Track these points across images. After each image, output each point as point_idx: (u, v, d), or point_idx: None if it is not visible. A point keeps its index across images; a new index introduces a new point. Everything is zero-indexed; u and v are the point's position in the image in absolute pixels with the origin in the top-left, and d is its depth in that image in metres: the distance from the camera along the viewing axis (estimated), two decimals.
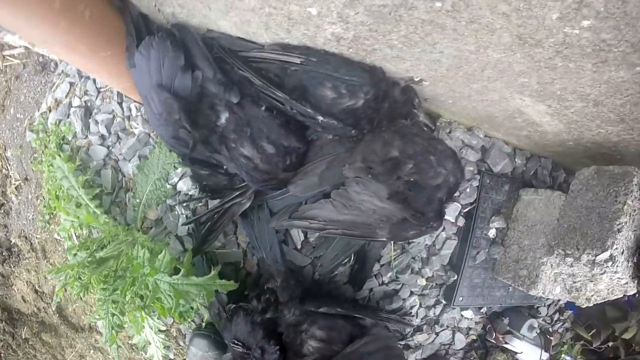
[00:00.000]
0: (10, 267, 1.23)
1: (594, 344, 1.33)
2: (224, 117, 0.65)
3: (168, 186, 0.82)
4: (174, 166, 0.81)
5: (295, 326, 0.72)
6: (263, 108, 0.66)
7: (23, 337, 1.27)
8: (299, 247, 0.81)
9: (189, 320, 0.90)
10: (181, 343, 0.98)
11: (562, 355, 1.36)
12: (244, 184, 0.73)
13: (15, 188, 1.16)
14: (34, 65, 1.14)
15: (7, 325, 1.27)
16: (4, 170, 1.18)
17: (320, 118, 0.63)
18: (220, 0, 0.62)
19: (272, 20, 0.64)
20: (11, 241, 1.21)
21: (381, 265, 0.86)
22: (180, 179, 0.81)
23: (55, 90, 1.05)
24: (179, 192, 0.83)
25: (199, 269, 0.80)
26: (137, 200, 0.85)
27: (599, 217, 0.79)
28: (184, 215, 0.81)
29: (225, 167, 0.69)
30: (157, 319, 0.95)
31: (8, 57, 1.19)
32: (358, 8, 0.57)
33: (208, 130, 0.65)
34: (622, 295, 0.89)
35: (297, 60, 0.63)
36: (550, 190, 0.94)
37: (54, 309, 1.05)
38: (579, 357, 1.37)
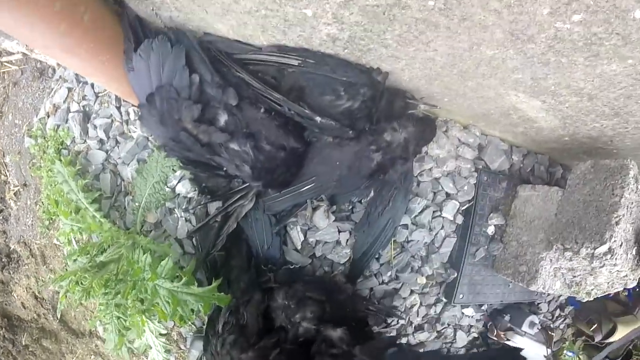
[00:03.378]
0: (9, 273, 1.22)
1: (595, 339, 1.33)
2: (222, 119, 0.65)
3: (167, 189, 0.82)
4: (173, 169, 0.81)
5: (287, 309, 0.70)
6: (262, 110, 0.66)
7: (23, 343, 1.26)
8: (298, 247, 0.82)
9: (190, 323, 0.90)
10: (182, 346, 0.98)
11: (564, 352, 1.36)
12: (244, 186, 0.73)
13: (14, 194, 1.16)
14: (32, 71, 1.14)
15: (7, 332, 1.26)
16: (2, 177, 1.18)
17: (318, 119, 0.63)
18: (217, 4, 0.63)
19: (268, 22, 0.64)
20: (10, 247, 1.21)
21: (381, 264, 0.86)
22: (179, 182, 0.81)
23: (53, 96, 1.05)
24: (178, 194, 0.83)
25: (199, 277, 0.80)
26: (137, 204, 0.85)
27: (596, 210, 0.80)
28: (184, 219, 0.81)
29: (225, 169, 0.70)
30: (158, 322, 0.94)
31: (6, 64, 1.20)
32: (352, 8, 0.57)
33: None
34: (622, 289, 0.89)
35: (295, 62, 0.64)
36: (548, 186, 0.95)
37: (58, 316, 1.04)
38: (580, 352, 1.37)
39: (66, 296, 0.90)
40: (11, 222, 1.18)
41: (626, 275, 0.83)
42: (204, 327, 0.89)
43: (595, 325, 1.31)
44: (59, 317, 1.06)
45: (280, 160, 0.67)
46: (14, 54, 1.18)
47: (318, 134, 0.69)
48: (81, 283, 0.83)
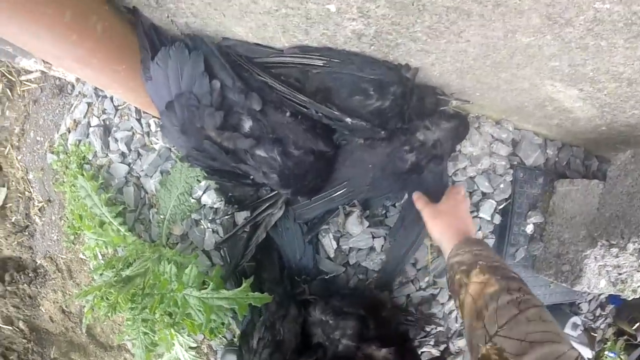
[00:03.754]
0: (36, 287, 1.24)
1: (638, 337, 1.26)
2: (247, 125, 0.63)
3: (192, 200, 0.80)
4: (197, 180, 0.79)
5: (325, 325, 0.66)
6: (287, 114, 0.64)
7: (52, 356, 1.27)
8: (331, 255, 0.78)
9: (220, 336, 0.88)
10: (212, 359, 0.96)
11: (606, 352, 1.29)
12: (273, 194, 0.70)
13: (39, 210, 1.17)
14: (51, 88, 1.15)
15: (35, 345, 1.28)
16: (26, 193, 1.19)
17: (349, 120, 0.60)
18: (234, 6, 0.61)
19: (289, 22, 0.62)
20: (37, 262, 1.22)
21: (418, 270, 0.82)
22: (204, 192, 0.79)
23: (73, 112, 1.05)
24: (204, 205, 0.81)
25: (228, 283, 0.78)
26: (161, 216, 0.84)
27: None
28: (210, 230, 0.79)
29: (251, 177, 0.67)
30: (187, 336, 0.93)
31: (25, 82, 1.21)
32: (379, 1, 0.54)
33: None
34: None
35: (319, 63, 0.61)
36: (587, 179, 0.89)
37: (84, 331, 1.04)
38: (622, 353, 1.30)
39: (92, 311, 0.90)
40: (37, 237, 1.19)
41: None
42: (235, 339, 0.87)
43: (638, 324, 1.24)
44: (84, 331, 1.06)
45: (309, 166, 0.64)
46: (32, 72, 1.19)
47: (348, 136, 0.66)
48: (107, 298, 0.82)
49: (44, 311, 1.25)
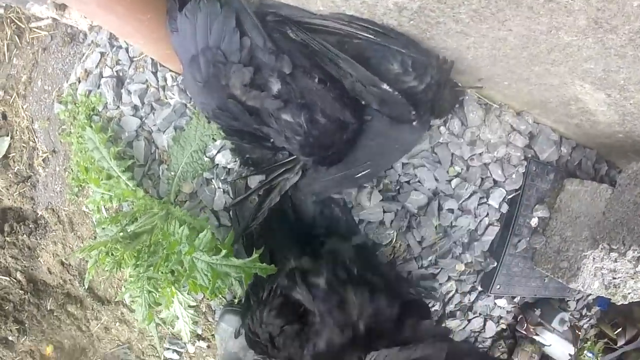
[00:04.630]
0: (36, 239, 1.23)
1: (618, 342, 1.31)
2: (275, 88, 0.61)
3: (205, 159, 0.79)
4: (213, 138, 0.78)
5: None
6: (316, 79, 0.62)
7: (48, 308, 1.28)
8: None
9: (220, 296, 0.89)
10: (210, 319, 0.98)
11: (585, 352, 1.34)
12: (291, 158, 0.70)
13: (43, 160, 1.14)
14: (62, 36, 1.11)
15: (32, 296, 1.28)
16: (31, 143, 1.17)
17: (386, 86, 0.58)
18: None
19: None
20: (38, 213, 1.21)
21: (422, 248, 0.83)
22: (218, 152, 0.78)
23: (85, 61, 1.02)
24: (217, 165, 0.80)
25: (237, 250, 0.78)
26: (172, 173, 0.83)
27: None
28: (221, 190, 0.79)
29: (272, 140, 0.66)
30: (187, 294, 0.94)
31: (34, 29, 1.16)
32: None
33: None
34: None
35: (365, 33, 0.59)
36: (597, 182, 0.90)
37: (85, 286, 1.05)
38: (599, 354, 1.36)
39: (95, 266, 0.90)
40: (39, 188, 1.17)
41: None
42: (235, 300, 0.88)
43: (620, 329, 1.30)
44: (86, 286, 1.06)
45: (334, 136, 0.63)
46: (43, 19, 1.14)
47: (374, 112, 0.65)
48: (112, 254, 0.82)
49: (42, 263, 1.25)
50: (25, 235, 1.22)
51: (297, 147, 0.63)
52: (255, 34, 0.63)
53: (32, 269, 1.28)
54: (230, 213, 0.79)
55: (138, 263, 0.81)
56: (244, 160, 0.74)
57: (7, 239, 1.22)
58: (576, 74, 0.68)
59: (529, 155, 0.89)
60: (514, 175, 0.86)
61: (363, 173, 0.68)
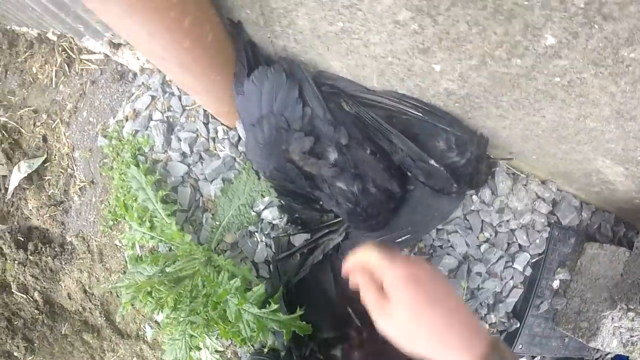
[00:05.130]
0: (60, 263, 1.24)
1: None
2: (332, 157, 0.67)
3: (252, 213, 0.83)
4: (262, 194, 0.82)
5: None
6: (368, 151, 0.68)
7: (62, 332, 1.27)
8: None
9: (250, 344, 0.90)
10: None
11: None
12: (336, 220, 0.74)
13: (79, 189, 1.18)
14: (112, 73, 1.17)
15: (46, 317, 1.28)
16: (69, 170, 1.21)
17: (433, 162, 0.64)
18: (343, 44, 0.65)
19: (390, 69, 0.66)
20: (66, 239, 1.23)
21: None
22: (266, 208, 0.82)
23: (135, 101, 1.07)
24: (262, 219, 0.84)
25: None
26: (217, 222, 0.87)
27: None
28: (264, 243, 0.82)
29: (321, 203, 0.71)
30: (216, 339, 0.95)
31: (85, 61, 1.23)
32: (482, 72, 0.59)
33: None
34: None
35: (414, 111, 0.65)
36: (615, 245, 0.95)
37: (117, 320, 1.05)
38: None
39: (131, 303, 0.91)
40: (71, 215, 1.20)
41: None
42: (264, 349, 0.90)
43: None
44: (118, 320, 1.07)
45: (382, 205, 0.68)
46: (95, 53, 1.21)
47: (417, 182, 0.70)
48: (155, 295, 0.84)
49: (63, 287, 1.26)
50: (49, 258, 1.24)
51: (346, 212, 0.68)
52: (316, 105, 0.69)
53: (50, 291, 1.28)
54: (271, 267, 0.82)
55: (179, 307, 0.83)
56: (293, 219, 0.78)
57: (30, 257, 1.24)
58: (598, 152, 0.75)
59: (552, 221, 0.94)
60: (537, 240, 0.91)
61: (404, 238, 0.73)
